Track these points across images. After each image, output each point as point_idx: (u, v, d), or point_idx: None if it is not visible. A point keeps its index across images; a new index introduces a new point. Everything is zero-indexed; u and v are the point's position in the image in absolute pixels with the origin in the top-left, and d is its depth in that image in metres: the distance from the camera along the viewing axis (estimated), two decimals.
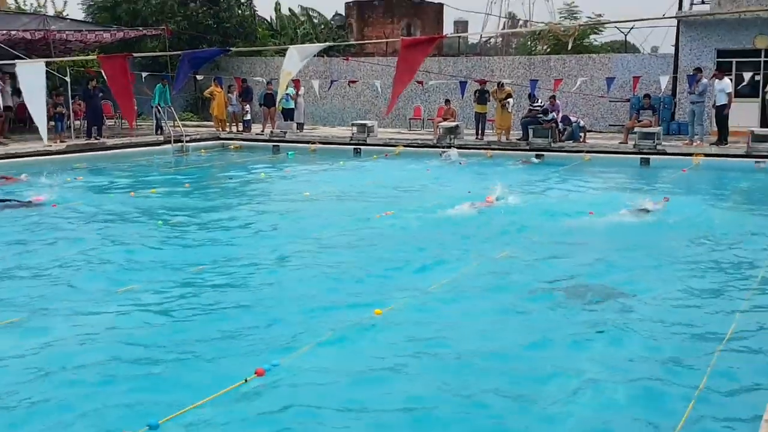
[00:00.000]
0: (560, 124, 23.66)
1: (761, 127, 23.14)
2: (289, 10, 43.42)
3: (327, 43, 23.20)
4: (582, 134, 23.94)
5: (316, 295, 9.04)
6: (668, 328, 7.85)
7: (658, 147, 21.57)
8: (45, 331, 7.68)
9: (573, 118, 24.16)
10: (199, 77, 31.73)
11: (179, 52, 11.60)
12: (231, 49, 22.17)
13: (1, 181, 14.68)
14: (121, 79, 15.51)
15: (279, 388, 6.35)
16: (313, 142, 25.38)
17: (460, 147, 23.42)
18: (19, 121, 26.58)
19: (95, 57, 18.45)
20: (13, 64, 12.83)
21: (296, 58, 12.40)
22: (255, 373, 6.44)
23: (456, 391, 6.31)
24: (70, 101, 24.87)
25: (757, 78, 25.13)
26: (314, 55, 26.69)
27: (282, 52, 25.79)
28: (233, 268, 10.54)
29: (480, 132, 25.11)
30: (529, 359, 7.03)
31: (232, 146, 26.13)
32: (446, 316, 8.23)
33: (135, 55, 17.13)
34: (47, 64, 20.50)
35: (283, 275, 10.04)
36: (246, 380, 6.34)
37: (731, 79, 23.29)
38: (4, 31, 24.55)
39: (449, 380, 6.52)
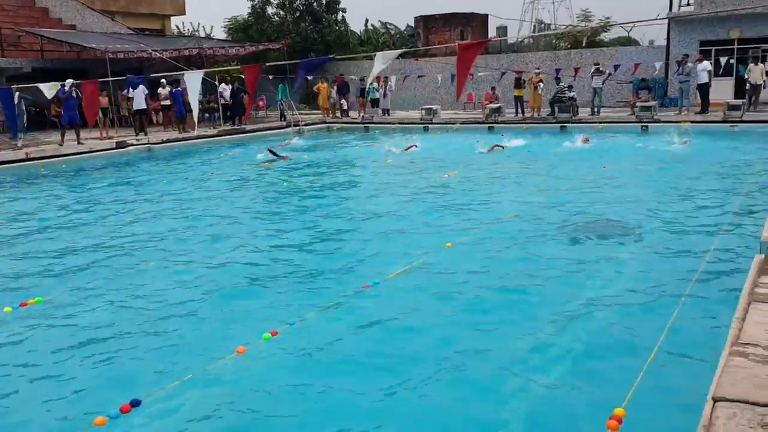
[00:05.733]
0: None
1: (735, 99, 22.30)
2: (372, 25, 43.26)
3: (402, 50, 22.82)
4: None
5: (402, 227, 9.23)
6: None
7: (654, 117, 21.00)
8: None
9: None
10: (309, 77, 31.98)
11: (297, 61, 11.94)
12: (334, 56, 22.37)
13: (282, 159, 16.77)
14: (254, 81, 16.09)
15: (378, 297, 6.50)
16: (393, 123, 25.38)
17: (503, 123, 23.14)
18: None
19: (239, 67, 18.91)
20: (182, 74, 13.26)
21: (381, 61, 12.48)
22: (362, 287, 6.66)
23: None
24: (219, 98, 25.35)
25: (731, 61, 24.26)
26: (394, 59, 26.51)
27: (369, 57, 25.70)
28: (344, 210, 11.00)
29: (521, 110, 24.72)
30: None
31: (334, 128, 26.31)
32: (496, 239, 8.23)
33: (267, 64, 17.45)
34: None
35: (380, 212, 10.40)
36: (356, 291, 6.56)
37: (711, 63, 22.55)
38: (170, 50, 25.18)
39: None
